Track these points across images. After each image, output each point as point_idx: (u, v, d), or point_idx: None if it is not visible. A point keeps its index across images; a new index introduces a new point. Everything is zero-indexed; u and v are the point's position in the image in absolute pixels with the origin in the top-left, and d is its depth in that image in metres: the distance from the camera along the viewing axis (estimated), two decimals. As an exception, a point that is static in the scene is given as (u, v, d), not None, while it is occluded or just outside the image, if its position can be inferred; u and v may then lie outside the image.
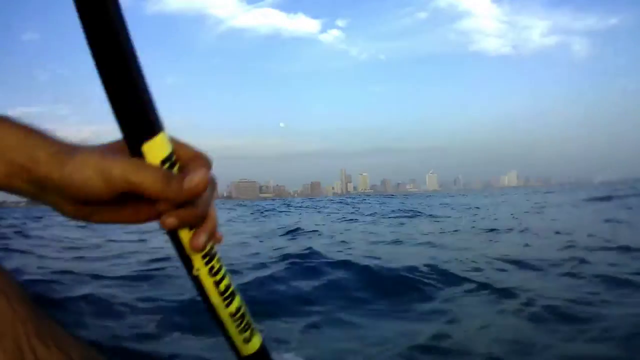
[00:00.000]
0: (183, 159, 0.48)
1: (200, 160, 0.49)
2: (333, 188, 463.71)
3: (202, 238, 0.48)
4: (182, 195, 0.45)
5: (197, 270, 0.50)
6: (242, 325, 0.56)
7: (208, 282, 0.51)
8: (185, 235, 0.48)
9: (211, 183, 0.49)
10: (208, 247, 0.50)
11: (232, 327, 0.55)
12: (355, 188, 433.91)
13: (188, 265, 0.50)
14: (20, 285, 0.46)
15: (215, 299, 0.52)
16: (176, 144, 0.48)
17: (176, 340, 2.18)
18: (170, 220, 0.46)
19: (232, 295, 0.54)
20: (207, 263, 0.50)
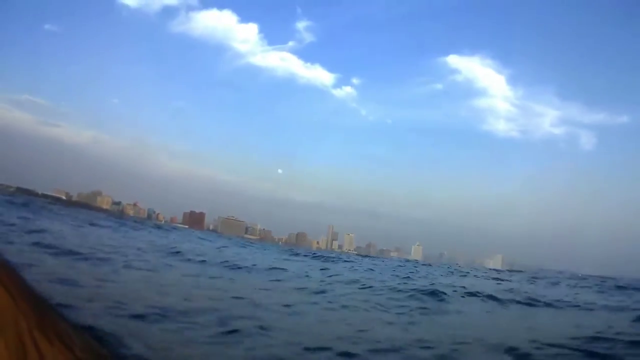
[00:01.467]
0: None
1: None
2: (318, 242, 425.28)
3: None
4: None
5: None
6: None
7: None
8: None
9: None
10: None
11: None
12: (340, 247, 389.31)
13: None
14: (22, 279, 0.46)
15: None
16: None
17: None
18: None
19: None
20: None
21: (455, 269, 26.20)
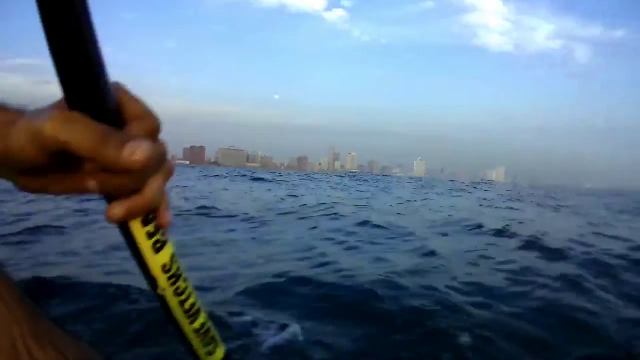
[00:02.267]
0: (129, 114, 0.40)
1: (149, 121, 0.41)
2: (320, 164, 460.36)
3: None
4: (119, 162, 0.36)
5: (163, 290, 0.48)
6: (206, 339, 0.57)
7: (173, 301, 0.50)
8: (142, 239, 0.44)
9: (160, 156, 0.41)
10: (174, 268, 0.48)
11: (196, 342, 0.56)
12: (342, 166, 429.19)
13: (153, 284, 0.48)
14: (16, 286, 0.46)
15: (180, 316, 0.52)
16: (123, 96, 0.40)
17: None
18: (117, 212, 0.40)
19: (197, 312, 0.54)
20: (173, 284, 0.49)
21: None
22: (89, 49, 0.34)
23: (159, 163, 0.41)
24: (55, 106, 0.38)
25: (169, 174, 0.44)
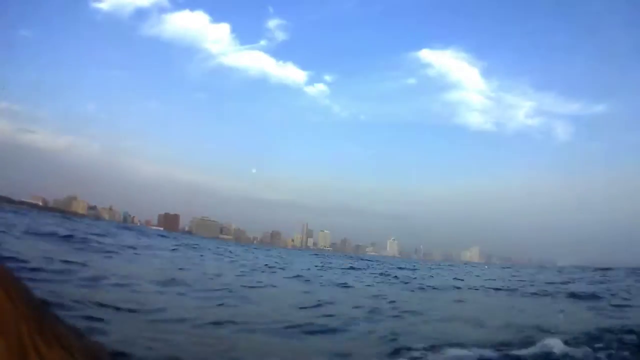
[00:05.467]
0: None
1: None
2: (293, 240, 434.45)
3: None
4: None
5: None
6: None
7: None
8: None
9: None
10: None
11: None
12: (315, 244, 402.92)
13: None
14: (22, 284, 0.47)
15: None
16: None
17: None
18: None
19: None
20: None
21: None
22: None
23: None
24: None
25: None
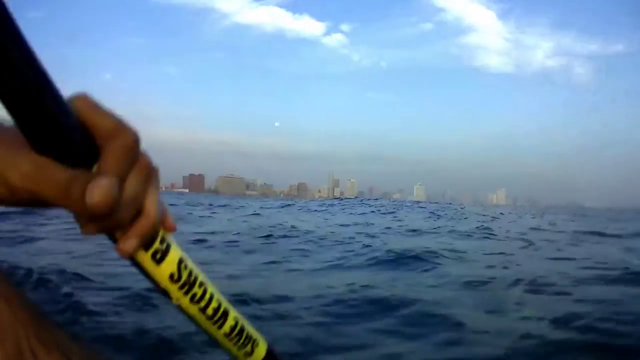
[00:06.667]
0: (101, 134, 0.37)
1: (124, 138, 0.37)
2: (319, 191, 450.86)
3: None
4: (87, 209, 0.35)
5: (177, 300, 0.46)
6: (241, 341, 0.53)
7: (192, 309, 0.47)
8: (146, 260, 0.42)
9: (144, 170, 0.40)
10: (185, 275, 0.45)
11: (229, 345, 0.52)
12: (342, 193, 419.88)
13: (166, 296, 0.45)
14: (19, 289, 0.46)
15: (205, 324, 0.49)
16: (91, 114, 0.36)
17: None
18: (128, 247, 0.40)
19: (224, 316, 0.50)
20: (186, 292, 0.45)
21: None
22: (39, 92, 0.32)
23: (147, 177, 0.40)
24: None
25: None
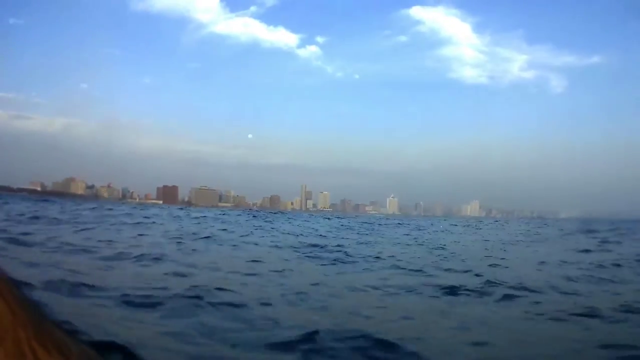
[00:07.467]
0: None
1: None
2: (292, 203, 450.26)
3: None
4: None
5: None
6: None
7: None
8: None
9: None
10: None
11: None
12: (314, 205, 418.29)
13: None
14: (19, 289, 0.47)
15: None
16: None
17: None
18: None
19: None
20: None
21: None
22: None
23: None
24: None
25: None
